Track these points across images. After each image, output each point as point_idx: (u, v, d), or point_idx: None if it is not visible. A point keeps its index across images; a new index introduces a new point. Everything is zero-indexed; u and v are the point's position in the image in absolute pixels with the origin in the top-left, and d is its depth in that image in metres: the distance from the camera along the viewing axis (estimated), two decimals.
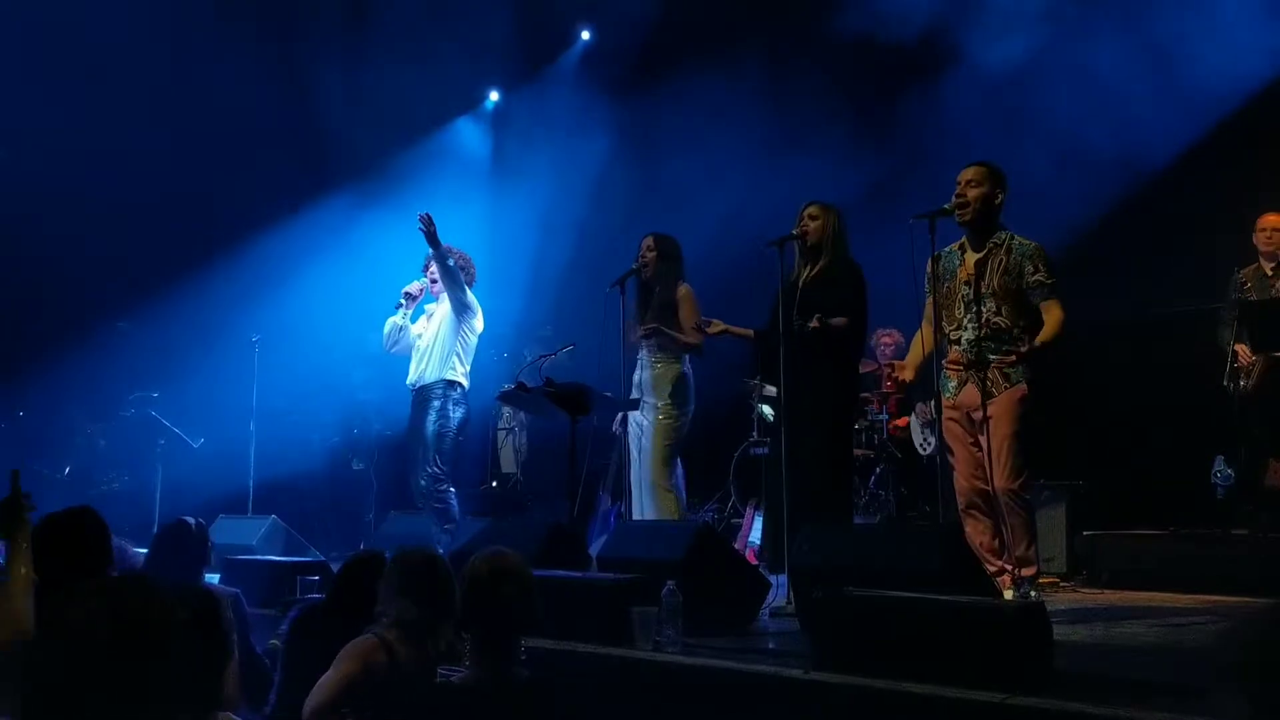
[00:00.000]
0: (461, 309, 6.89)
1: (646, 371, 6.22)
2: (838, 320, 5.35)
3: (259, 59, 9.44)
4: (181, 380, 8.75)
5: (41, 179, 8.52)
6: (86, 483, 8.97)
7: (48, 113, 8.70)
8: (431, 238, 6.63)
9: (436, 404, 6.83)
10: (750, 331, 5.85)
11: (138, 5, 8.79)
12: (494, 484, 9.31)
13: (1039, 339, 4.84)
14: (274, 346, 8.42)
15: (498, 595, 2.79)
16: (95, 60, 8.85)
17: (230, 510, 7.57)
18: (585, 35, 10.65)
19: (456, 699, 2.72)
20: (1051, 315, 4.87)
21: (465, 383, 6.95)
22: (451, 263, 6.81)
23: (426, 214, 6.65)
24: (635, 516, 6.10)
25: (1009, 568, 4.90)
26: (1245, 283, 6.30)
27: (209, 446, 8.49)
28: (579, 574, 4.57)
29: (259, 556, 6.36)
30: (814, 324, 5.27)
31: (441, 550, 6.23)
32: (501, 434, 9.12)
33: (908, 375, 5.29)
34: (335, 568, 4.43)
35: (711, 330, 5.86)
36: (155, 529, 7.80)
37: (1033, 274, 4.90)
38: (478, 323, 7.00)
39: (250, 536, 6.95)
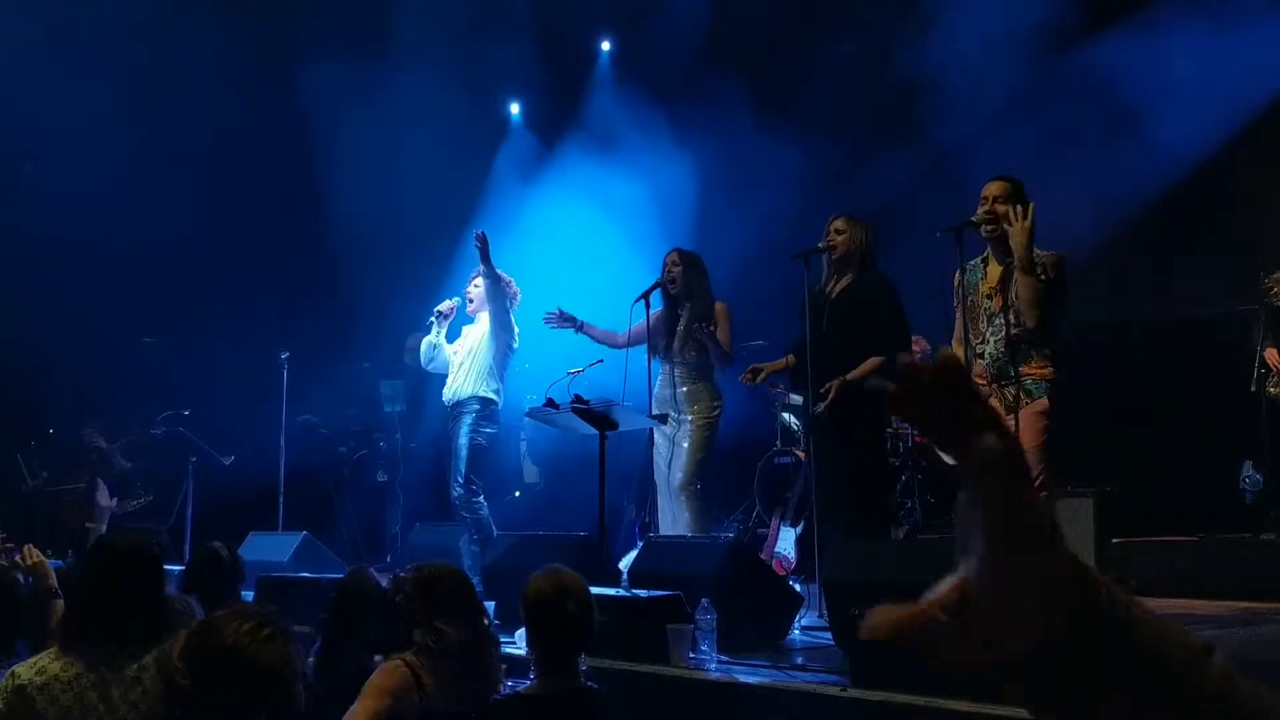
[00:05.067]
0: (501, 327, 7.00)
1: (680, 388, 6.23)
2: (860, 368, 5.36)
3: (281, 80, 9.54)
4: (211, 398, 8.82)
5: (69, 195, 8.60)
6: (117, 501, 9.06)
7: (77, 129, 8.79)
8: (485, 255, 6.77)
9: (469, 419, 6.93)
10: (786, 360, 5.87)
11: (176, 32, 8.88)
12: (517, 494, 9.35)
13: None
14: (301, 363, 8.48)
15: (563, 611, 2.84)
16: (126, 78, 8.95)
17: (261, 527, 7.62)
18: (606, 46, 10.68)
19: (525, 709, 2.78)
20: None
21: (498, 400, 7.05)
22: (499, 282, 6.93)
23: (482, 232, 6.83)
24: (664, 531, 6.12)
25: None
26: (1273, 288, 6.30)
27: (239, 463, 8.56)
28: (614, 591, 4.59)
29: (291, 573, 6.40)
30: (833, 396, 5.31)
31: (468, 562, 6.33)
32: (523, 445, 9.15)
33: None
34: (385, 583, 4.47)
35: (756, 381, 5.91)
36: (188, 546, 7.94)
37: (1041, 275, 4.92)
38: (515, 342, 7.11)
39: (282, 553, 6.99)
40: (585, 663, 3.05)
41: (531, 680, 2.90)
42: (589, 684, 2.94)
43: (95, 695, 2.66)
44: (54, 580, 3.79)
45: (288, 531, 7.51)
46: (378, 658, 3.12)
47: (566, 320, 6.61)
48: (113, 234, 8.60)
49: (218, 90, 9.19)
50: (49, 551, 4.77)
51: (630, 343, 6.39)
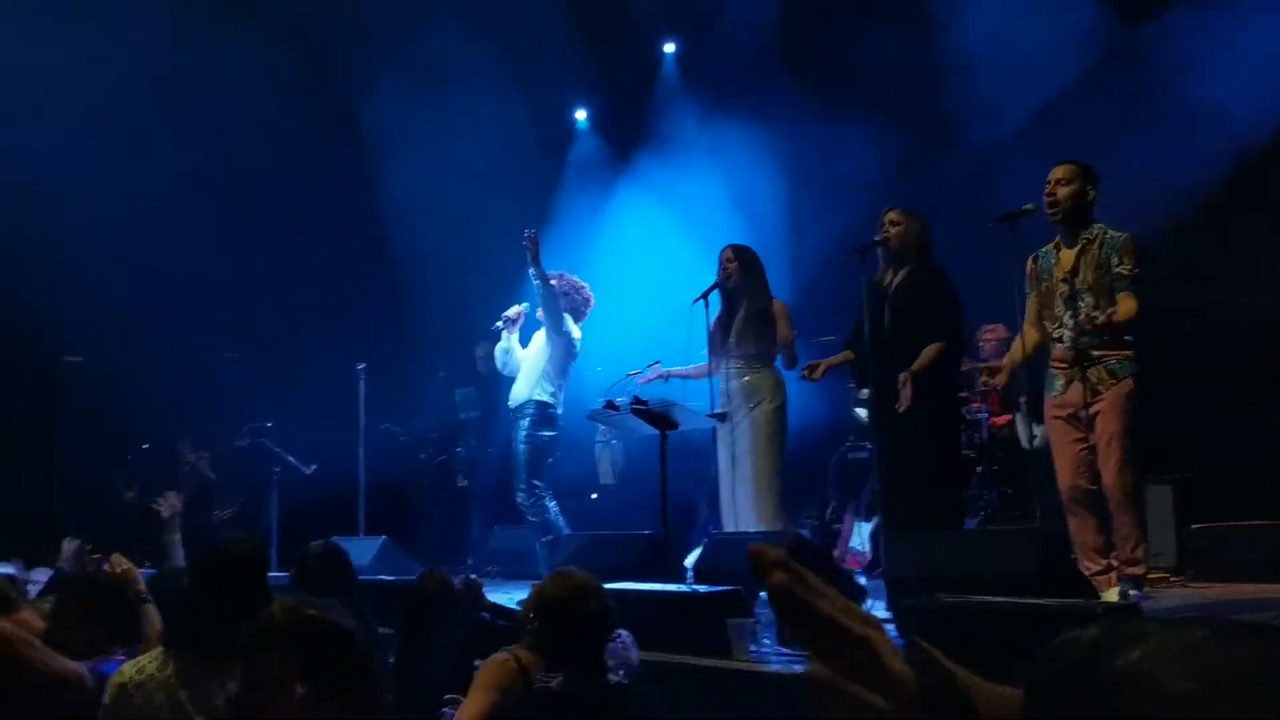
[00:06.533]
0: (553, 330, 7.07)
1: (735, 381, 6.22)
2: (922, 358, 5.36)
3: (344, 97, 9.80)
4: (292, 410, 9.08)
5: (151, 221, 8.91)
6: (202, 513, 9.37)
7: (156, 158, 9.11)
8: (534, 256, 6.81)
9: (525, 423, 7.03)
10: (846, 355, 5.90)
11: (238, 56, 9.15)
12: (594, 496, 9.45)
13: (1114, 318, 4.80)
14: (378, 373, 8.69)
15: (584, 610, 2.91)
16: (193, 104, 9.27)
17: (342, 533, 7.82)
18: (670, 48, 10.73)
19: (555, 704, 2.85)
20: (1123, 305, 4.84)
21: (555, 403, 7.11)
22: (549, 284, 6.98)
23: (531, 233, 6.84)
24: (728, 527, 6.15)
25: (1115, 565, 4.85)
26: None
27: (320, 472, 8.79)
28: (675, 587, 4.66)
29: (373, 577, 6.57)
30: (905, 392, 5.30)
31: (543, 567, 6.44)
32: (598, 446, 9.25)
33: (1000, 379, 5.31)
34: (456, 583, 4.58)
35: (817, 375, 5.91)
36: (274, 553, 8.19)
37: (1117, 265, 4.89)
38: (572, 345, 7.16)
39: (363, 557, 7.17)
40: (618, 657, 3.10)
41: (557, 678, 2.93)
42: (617, 679, 2.99)
43: (186, 695, 2.78)
44: (143, 587, 3.98)
45: (368, 536, 7.70)
46: (477, 663, 3.17)
47: (705, 293, 6.37)
48: (194, 257, 8.88)
49: (281, 111, 9.46)
50: (146, 562, 4.99)
51: (714, 373, 6.27)
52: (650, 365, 6.64)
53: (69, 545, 6.27)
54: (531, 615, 3.14)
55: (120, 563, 4.06)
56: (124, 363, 9.20)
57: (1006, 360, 5.39)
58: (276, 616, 1.92)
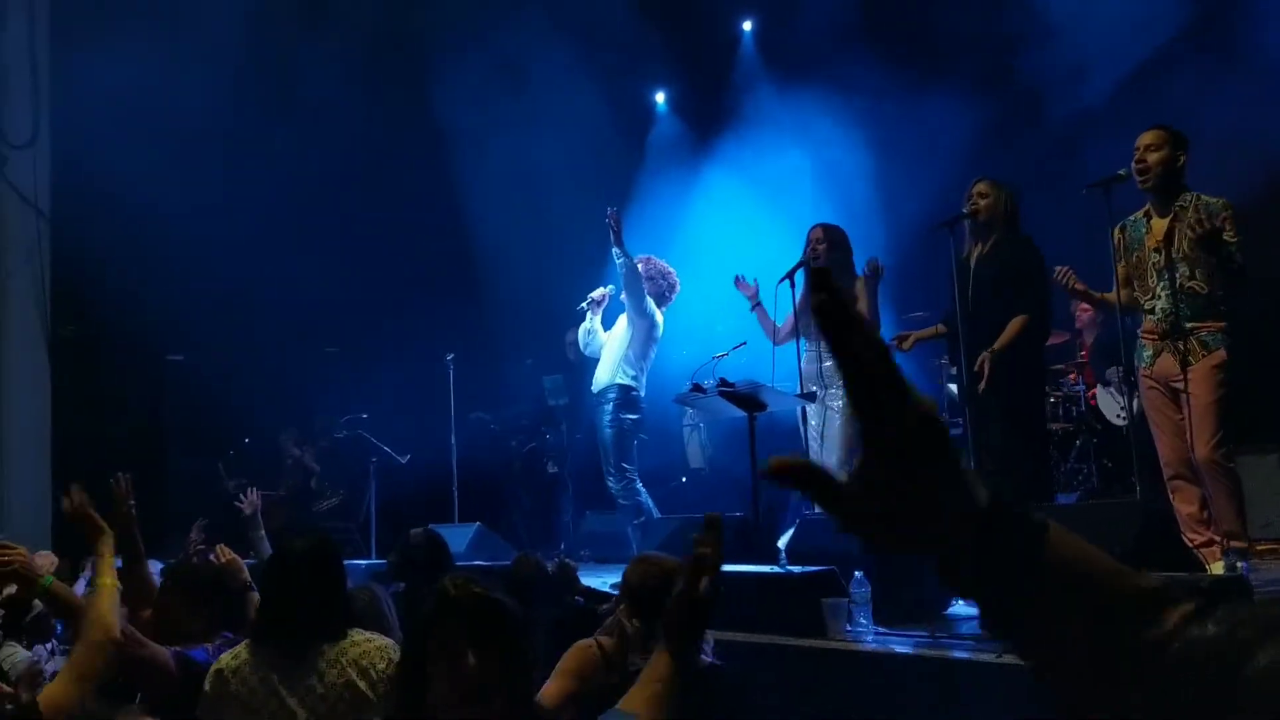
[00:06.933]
0: (635, 312, 7.07)
1: (826, 361, 6.16)
2: (1005, 334, 5.28)
3: (421, 95, 9.95)
4: (386, 402, 9.27)
5: (246, 220, 9.17)
6: (306, 502, 9.63)
7: (249, 157, 9.37)
8: (617, 234, 6.84)
9: (609, 408, 7.07)
10: (938, 329, 5.83)
11: (322, 58, 9.35)
12: (684, 480, 9.47)
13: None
14: (466, 364, 8.81)
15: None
16: (284, 109, 9.51)
17: (437, 520, 7.97)
18: (747, 26, 10.66)
19: None
20: (1225, 274, 4.73)
21: (637, 386, 7.12)
22: (631, 262, 6.99)
23: (614, 210, 6.87)
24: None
25: (1218, 538, 4.71)
26: None
27: (414, 461, 8.96)
28: (768, 568, 4.65)
29: (469, 562, 6.69)
30: (988, 372, 5.22)
31: (635, 551, 6.47)
32: (686, 430, 9.26)
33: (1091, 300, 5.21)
34: (550, 566, 4.65)
35: (905, 346, 5.88)
36: (373, 541, 8.39)
37: (1223, 233, 4.72)
38: (654, 330, 7.17)
39: (458, 543, 7.29)
40: (711, 640, 3.10)
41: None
42: (714, 661, 2.99)
43: (276, 680, 2.89)
44: (248, 576, 4.12)
45: (462, 523, 7.83)
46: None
47: (752, 292, 6.53)
48: (286, 258, 9.12)
49: (364, 117, 9.69)
50: (251, 552, 5.15)
51: (781, 341, 6.36)
52: (735, 347, 6.62)
53: (197, 532, 6.57)
54: (621, 605, 3.17)
55: (225, 553, 4.21)
56: (224, 360, 9.48)
57: (1099, 297, 5.25)
58: (451, 591, 2.02)
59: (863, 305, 6.14)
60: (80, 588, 4.93)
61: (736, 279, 6.62)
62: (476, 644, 1.95)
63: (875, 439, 0.73)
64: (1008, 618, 0.74)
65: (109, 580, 3.01)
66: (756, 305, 6.54)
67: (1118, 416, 7.57)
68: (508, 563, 6.37)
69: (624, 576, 3.20)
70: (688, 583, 1.68)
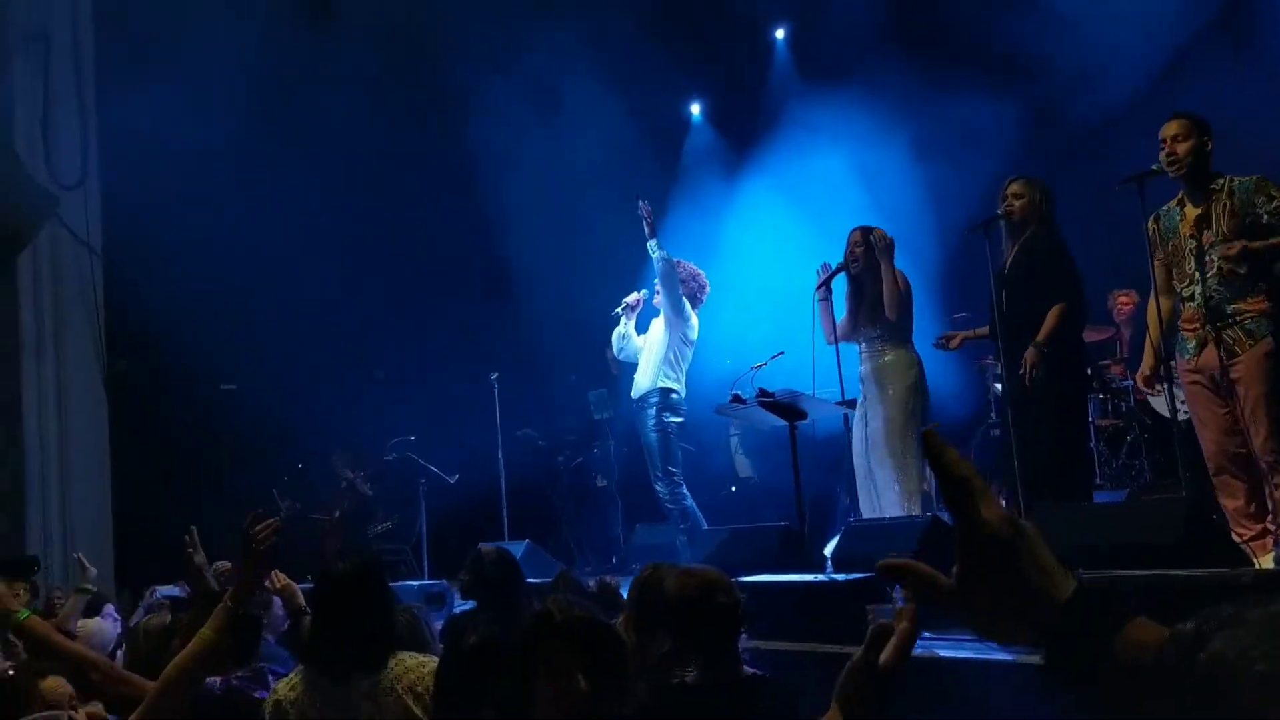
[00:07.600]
0: (673, 312, 7.10)
1: (875, 361, 6.11)
2: (1046, 325, 5.27)
3: (460, 116, 10.09)
4: (432, 422, 9.38)
5: (291, 252, 9.33)
6: (360, 526, 9.76)
7: (289, 188, 9.55)
8: (649, 228, 6.87)
9: (651, 412, 7.10)
10: (979, 331, 5.86)
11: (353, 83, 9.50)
12: (733, 489, 9.49)
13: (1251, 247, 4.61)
14: (511, 382, 8.90)
15: (715, 605, 2.94)
16: (321, 136, 9.69)
17: (488, 538, 8.04)
18: (780, 34, 10.68)
19: (689, 696, 2.90)
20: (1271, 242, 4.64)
21: (678, 388, 7.15)
22: (668, 257, 7.01)
23: (646, 203, 6.89)
24: (866, 510, 6.10)
25: (1271, 529, 4.65)
26: None
27: (463, 480, 9.05)
28: (813, 577, 4.66)
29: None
30: (1031, 366, 5.22)
31: (685, 561, 6.49)
32: (733, 440, 9.28)
33: (1148, 364, 5.17)
34: (590, 584, 4.67)
35: (952, 346, 5.91)
36: (425, 563, 8.48)
37: (1266, 204, 4.66)
38: (690, 331, 7.20)
39: None
40: (745, 643, 3.12)
41: (691, 671, 2.96)
42: (754, 670, 3.01)
43: (326, 706, 2.95)
44: (302, 600, 4.18)
45: (512, 540, 7.90)
46: None
47: (827, 279, 6.29)
48: (338, 286, 9.29)
49: (399, 143, 9.81)
50: (307, 576, 5.23)
51: (839, 340, 6.26)
52: (774, 356, 6.63)
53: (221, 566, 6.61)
54: (631, 613, 3.21)
55: (279, 579, 4.27)
56: (276, 388, 9.66)
57: (1151, 337, 5.19)
58: (556, 615, 2.06)
59: (887, 281, 6.06)
60: (139, 617, 5.04)
61: (824, 265, 6.38)
62: (586, 666, 1.98)
63: (966, 549, 0.91)
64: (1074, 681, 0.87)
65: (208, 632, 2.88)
66: (826, 297, 6.29)
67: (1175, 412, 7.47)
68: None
69: (638, 585, 3.23)
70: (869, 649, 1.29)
